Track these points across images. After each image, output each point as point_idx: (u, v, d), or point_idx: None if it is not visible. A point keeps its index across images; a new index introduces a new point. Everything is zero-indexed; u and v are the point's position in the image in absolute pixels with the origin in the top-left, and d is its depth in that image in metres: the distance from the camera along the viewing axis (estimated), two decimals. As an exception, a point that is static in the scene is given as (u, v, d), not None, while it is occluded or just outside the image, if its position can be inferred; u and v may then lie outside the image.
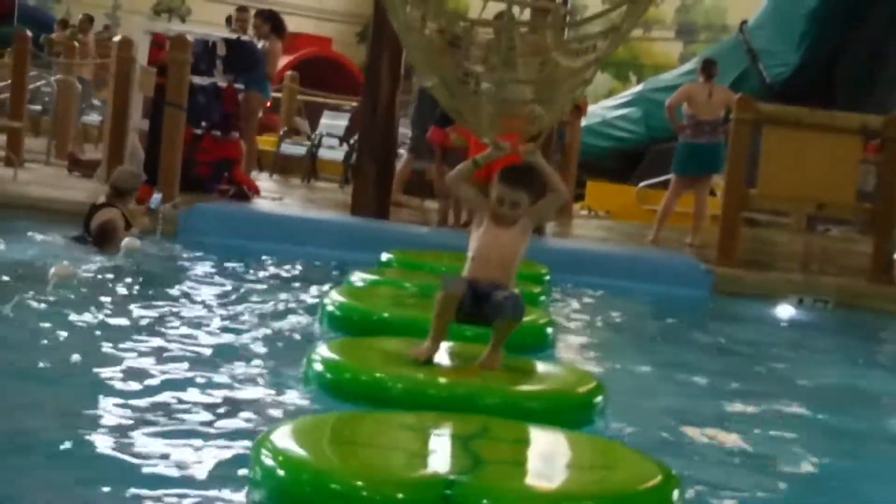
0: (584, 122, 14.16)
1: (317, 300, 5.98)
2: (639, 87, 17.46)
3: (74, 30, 16.01)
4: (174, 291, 6.33)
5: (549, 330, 5.38)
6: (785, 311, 8.35)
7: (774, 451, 4.22)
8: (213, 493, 3.07)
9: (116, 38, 11.51)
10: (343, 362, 4.09)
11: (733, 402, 5.08)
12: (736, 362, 6.24)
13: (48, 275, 5.91)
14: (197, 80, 10.20)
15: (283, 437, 3.01)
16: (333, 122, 15.48)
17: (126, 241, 7.32)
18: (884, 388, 6.11)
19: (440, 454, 3.11)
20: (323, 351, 4.21)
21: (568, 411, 3.93)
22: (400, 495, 2.71)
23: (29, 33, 12.67)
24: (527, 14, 5.47)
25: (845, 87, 14.25)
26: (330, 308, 5.39)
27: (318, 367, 4.11)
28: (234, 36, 11.17)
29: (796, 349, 7.05)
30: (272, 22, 11.44)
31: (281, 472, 2.85)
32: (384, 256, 7.21)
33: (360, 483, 2.75)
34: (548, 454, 3.26)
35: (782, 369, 6.23)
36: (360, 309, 5.31)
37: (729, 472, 3.84)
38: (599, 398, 4.10)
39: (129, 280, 6.47)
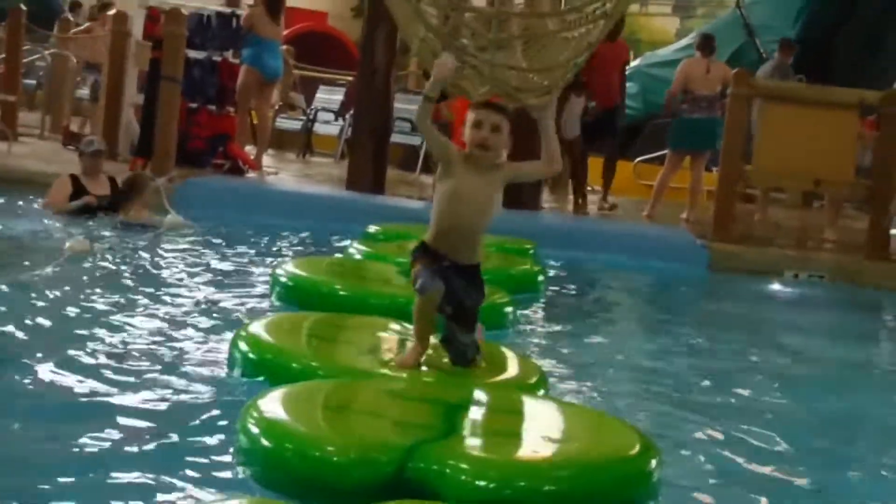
0: (580, 98, 14.11)
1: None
2: (636, 63, 17.37)
3: (95, 9, 15.80)
4: (164, 263, 6.33)
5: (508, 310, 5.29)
6: (780, 286, 8.34)
7: (765, 426, 4.19)
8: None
9: (111, 13, 11.43)
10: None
11: (726, 377, 5.05)
12: (730, 338, 6.21)
13: (62, 248, 5.94)
14: (192, 53, 10.14)
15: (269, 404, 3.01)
16: (329, 97, 15.40)
17: (169, 218, 7.51)
18: (879, 363, 6.11)
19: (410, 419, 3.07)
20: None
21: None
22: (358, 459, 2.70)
23: (23, 7, 12.58)
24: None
25: (843, 62, 14.19)
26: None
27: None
28: (228, 10, 11.07)
29: (792, 325, 7.02)
30: None
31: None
32: (371, 229, 7.19)
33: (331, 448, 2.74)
34: (528, 422, 3.21)
35: (778, 345, 6.20)
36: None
37: (715, 446, 3.81)
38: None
39: (129, 256, 6.46)
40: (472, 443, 2.90)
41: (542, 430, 3.06)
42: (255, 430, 2.88)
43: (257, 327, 3.98)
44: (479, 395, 3.36)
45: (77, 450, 3.10)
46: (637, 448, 2.91)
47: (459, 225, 3.64)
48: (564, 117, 10.30)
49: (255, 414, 2.93)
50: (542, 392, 3.71)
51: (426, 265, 3.63)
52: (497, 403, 3.32)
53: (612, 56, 10.72)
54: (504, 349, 4.13)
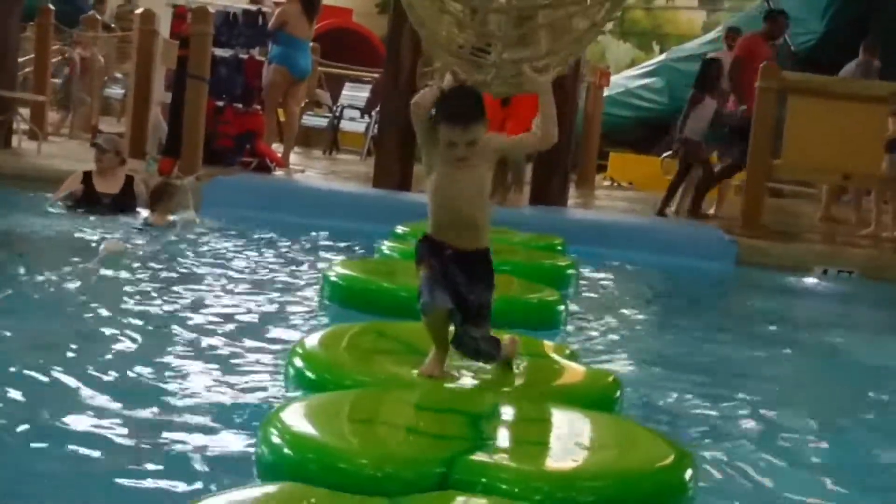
0: (606, 93, 14.06)
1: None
2: (662, 57, 17.32)
3: (124, 8, 15.87)
4: (196, 263, 6.35)
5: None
6: (809, 282, 8.28)
7: (796, 424, 4.16)
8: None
9: (138, 11, 11.47)
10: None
11: (755, 376, 5.01)
12: (759, 334, 6.17)
13: (99, 249, 5.98)
14: (219, 52, 10.16)
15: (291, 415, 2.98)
16: (355, 94, 15.42)
17: (183, 215, 7.53)
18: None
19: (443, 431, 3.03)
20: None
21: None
22: (400, 474, 2.66)
23: (52, 6, 12.64)
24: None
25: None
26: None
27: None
28: (254, 7, 11.09)
29: (821, 321, 6.97)
30: None
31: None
32: (399, 229, 7.18)
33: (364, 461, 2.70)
34: (559, 433, 3.16)
35: (806, 340, 6.17)
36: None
37: (746, 449, 3.77)
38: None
39: (159, 252, 6.50)
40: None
41: (576, 440, 3.05)
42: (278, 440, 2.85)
43: (313, 342, 3.87)
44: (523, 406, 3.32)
45: (121, 437, 3.12)
46: (671, 458, 2.89)
47: (454, 216, 3.50)
48: (691, 117, 10.18)
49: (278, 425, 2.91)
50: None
51: (427, 269, 3.50)
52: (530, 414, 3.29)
53: (764, 53, 10.51)
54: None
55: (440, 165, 3.49)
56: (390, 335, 4.02)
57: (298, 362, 3.68)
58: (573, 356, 4.10)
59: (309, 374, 3.62)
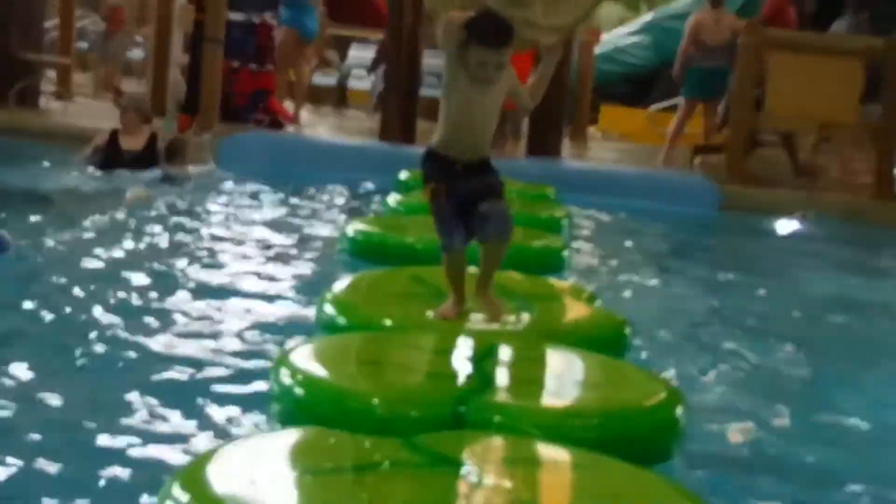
0: (597, 50, 13.93)
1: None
2: (650, 16, 17.11)
3: None
4: (217, 212, 6.34)
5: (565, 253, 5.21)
6: (789, 224, 8.23)
7: (778, 362, 4.13)
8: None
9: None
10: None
11: (740, 315, 4.98)
12: (741, 274, 6.15)
13: (125, 198, 5.93)
14: (233, 16, 10.04)
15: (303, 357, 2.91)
16: (361, 54, 15.28)
17: (202, 168, 7.54)
18: (885, 298, 6.02)
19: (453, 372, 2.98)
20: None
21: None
22: (414, 413, 2.62)
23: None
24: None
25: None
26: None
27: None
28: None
29: (800, 261, 6.94)
30: None
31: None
32: (402, 175, 7.11)
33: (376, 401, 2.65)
34: (554, 372, 3.12)
35: (786, 281, 6.13)
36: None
37: (733, 385, 3.74)
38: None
39: (180, 204, 6.45)
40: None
41: (577, 380, 3.02)
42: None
43: (342, 286, 3.79)
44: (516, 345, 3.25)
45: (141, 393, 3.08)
46: (663, 396, 2.85)
47: (469, 134, 3.43)
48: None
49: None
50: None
51: (435, 200, 3.42)
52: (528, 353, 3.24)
53: (788, 12, 10.30)
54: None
55: (464, 86, 3.37)
56: (424, 279, 3.91)
57: (329, 308, 3.59)
58: (591, 298, 4.05)
59: (341, 318, 3.53)
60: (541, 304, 3.73)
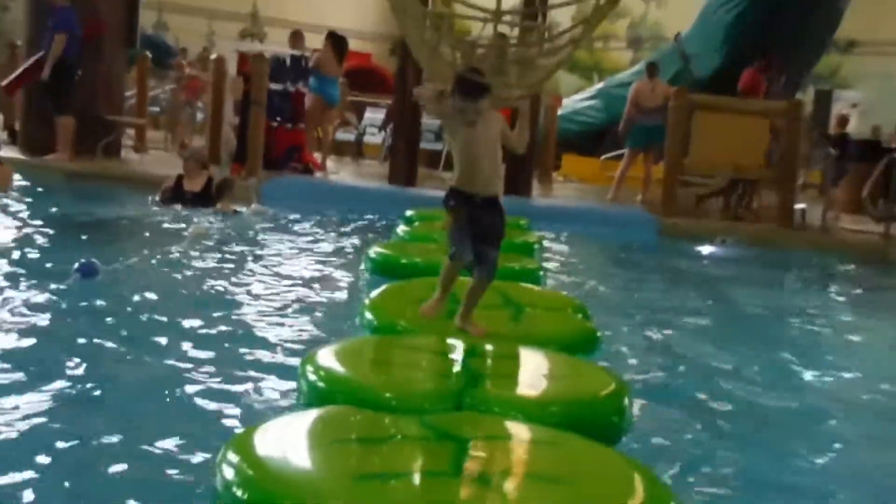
0: (559, 112, 14.01)
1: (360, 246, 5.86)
2: (600, 84, 17.19)
3: (203, 54, 15.59)
4: (264, 240, 6.32)
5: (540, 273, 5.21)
6: (712, 248, 8.25)
7: (707, 354, 4.13)
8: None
9: (213, 56, 11.37)
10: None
11: (674, 315, 4.99)
12: (677, 286, 6.16)
13: (187, 232, 5.90)
14: (273, 86, 10.08)
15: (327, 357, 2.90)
16: (374, 116, 15.33)
17: (254, 207, 7.44)
18: (789, 304, 6.04)
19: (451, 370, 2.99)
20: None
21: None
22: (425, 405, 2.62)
23: (148, 54, 12.53)
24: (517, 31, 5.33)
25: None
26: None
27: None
28: (299, 53, 11.00)
29: (720, 274, 6.97)
30: (331, 40, 11.10)
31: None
32: (408, 213, 7.12)
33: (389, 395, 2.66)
34: (524, 368, 3.13)
35: (709, 290, 6.15)
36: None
37: (674, 377, 3.74)
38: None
39: (233, 234, 6.43)
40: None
41: (544, 376, 3.02)
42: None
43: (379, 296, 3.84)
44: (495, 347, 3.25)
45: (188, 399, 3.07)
46: (613, 387, 2.87)
47: (476, 168, 3.44)
48: None
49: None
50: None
51: (456, 221, 3.44)
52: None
53: (759, 85, 10.37)
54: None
55: (462, 130, 3.42)
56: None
57: (369, 314, 3.64)
58: (582, 308, 4.04)
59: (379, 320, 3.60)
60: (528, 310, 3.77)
